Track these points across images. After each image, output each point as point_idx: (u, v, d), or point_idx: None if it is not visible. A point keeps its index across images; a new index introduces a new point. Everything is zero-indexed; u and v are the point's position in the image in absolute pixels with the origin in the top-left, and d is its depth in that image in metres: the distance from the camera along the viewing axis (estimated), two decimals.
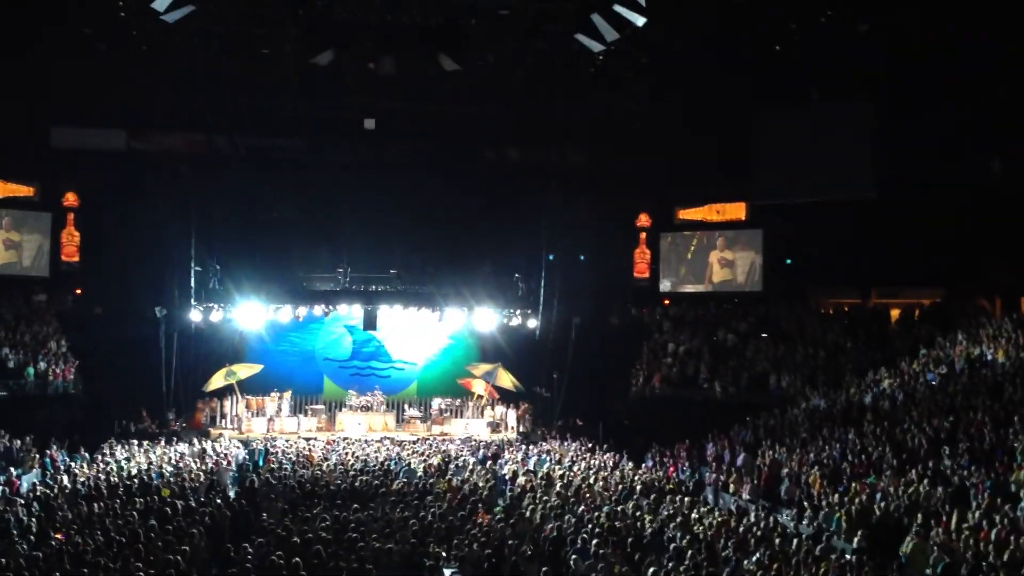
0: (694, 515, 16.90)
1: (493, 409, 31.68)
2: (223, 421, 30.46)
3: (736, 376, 29.24)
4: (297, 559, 12.77)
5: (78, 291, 31.63)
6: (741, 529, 15.67)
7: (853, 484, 18.34)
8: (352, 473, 20.96)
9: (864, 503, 16.93)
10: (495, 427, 30.87)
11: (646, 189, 33.94)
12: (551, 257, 31.87)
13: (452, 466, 22.67)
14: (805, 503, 18.46)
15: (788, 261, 32.56)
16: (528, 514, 16.70)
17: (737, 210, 33.56)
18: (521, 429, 30.71)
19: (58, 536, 14.31)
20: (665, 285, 34.74)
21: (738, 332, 31.51)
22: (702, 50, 26.02)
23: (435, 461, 23.19)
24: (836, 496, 18.03)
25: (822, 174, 30.19)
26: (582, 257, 33.12)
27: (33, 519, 15.75)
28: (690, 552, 13.67)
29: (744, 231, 33.53)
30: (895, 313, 30.49)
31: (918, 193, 28.90)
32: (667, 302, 34.61)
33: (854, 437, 21.24)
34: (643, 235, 34.65)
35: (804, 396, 26.43)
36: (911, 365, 24.99)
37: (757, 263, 33.11)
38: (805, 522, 17.63)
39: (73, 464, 22.74)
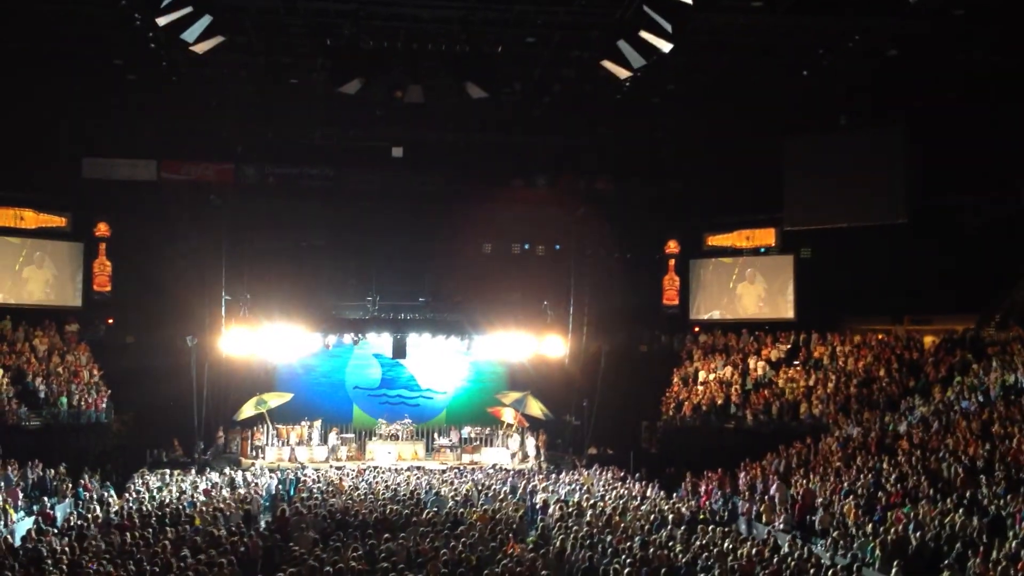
0: (727, 545, 16.67)
1: (521, 437, 31.56)
2: (254, 451, 30.55)
3: (768, 404, 28.96)
4: None
5: (110, 321, 31.88)
6: (775, 560, 15.45)
7: (888, 514, 18.06)
8: (382, 502, 20.90)
9: (900, 533, 16.65)
10: (522, 456, 30.75)
11: (674, 216, 33.81)
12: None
13: (482, 495, 22.56)
14: (839, 533, 18.19)
15: (819, 288, 32.22)
16: (559, 544, 16.55)
17: (767, 236, 33.31)
18: (542, 458, 30.54)
19: (91, 566, 14.33)
20: (695, 312, 34.50)
21: (769, 360, 31.24)
22: (729, 76, 25.98)
23: (465, 490, 23.09)
24: (871, 526, 17.74)
25: (853, 199, 29.93)
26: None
27: (66, 549, 15.79)
28: None
29: (774, 257, 33.27)
30: (928, 340, 30.09)
31: (950, 218, 28.61)
32: (697, 329, 34.37)
33: (889, 466, 20.94)
34: (672, 262, 34.47)
35: (837, 424, 26.12)
36: (945, 393, 24.64)
37: (788, 290, 32.80)
38: (840, 552, 17.37)
39: (106, 493, 22.86)
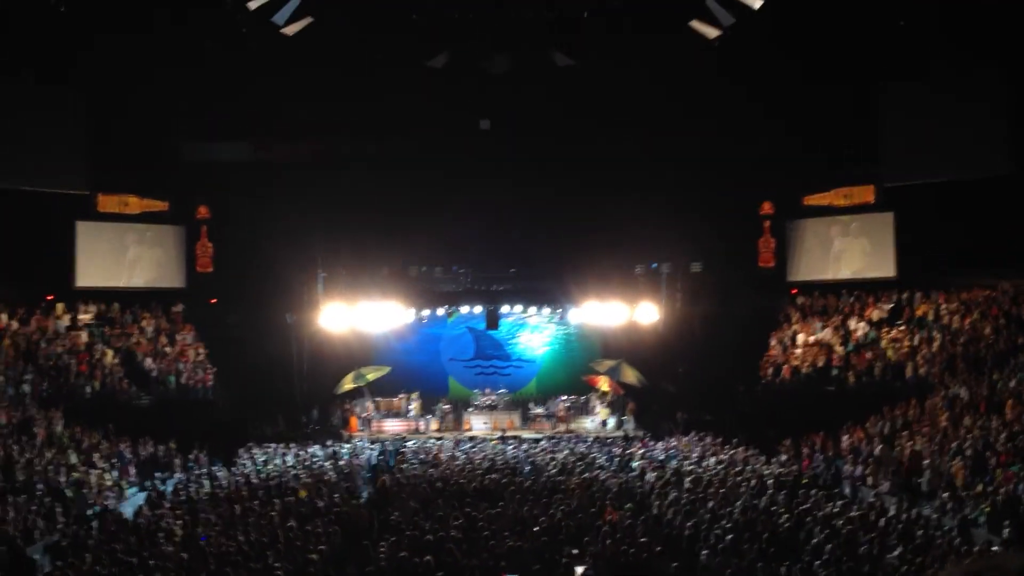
0: (831, 509, 16.40)
1: (616, 405, 31.48)
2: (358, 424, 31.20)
3: (870, 366, 28.27)
4: (429, 557, 12.93)
5: (213, 300, 32.71)
6: (881, 523, 15.13)
7: (998, 472, 17.50)
8: (480, 472, 21.12)
9: (1010, 493, 16.13)
10: (618, 424, 30.69)
11: (769, 176, 33.01)
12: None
13: (579, 464, 22.61)
14: (947, 494, 17.72)
15: (921, 245, 31.14)
16: (658, 511, 16.50)
17: (866, 193, 32.26)
18: (638, 425, 30.41)
19: (203, 537, 14.84)
20: (792, 274, 33.72)
21: (871, 320, 30.47)
22: (822, 27, 25.19)
23: (561, 459, 23.17)
24: (980, 486, 17.23)
25: (954, 150, 28.81)
26: None
27: (178, 522, 16.38)
28: (828, 548, 13.26)
29: (874, 215, 32.26)
30: None
31: None
32: (795, 291, 33.65)
33: (998, 425, 20.26)
34: (767, 223, 33.70)
35: (943, 384, 25.36)
36: None
37: (889, 247, 31.81)
38: (948, 514, 16.92)
39: (214, 468, 23.61)
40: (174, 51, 26.04)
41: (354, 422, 30.67)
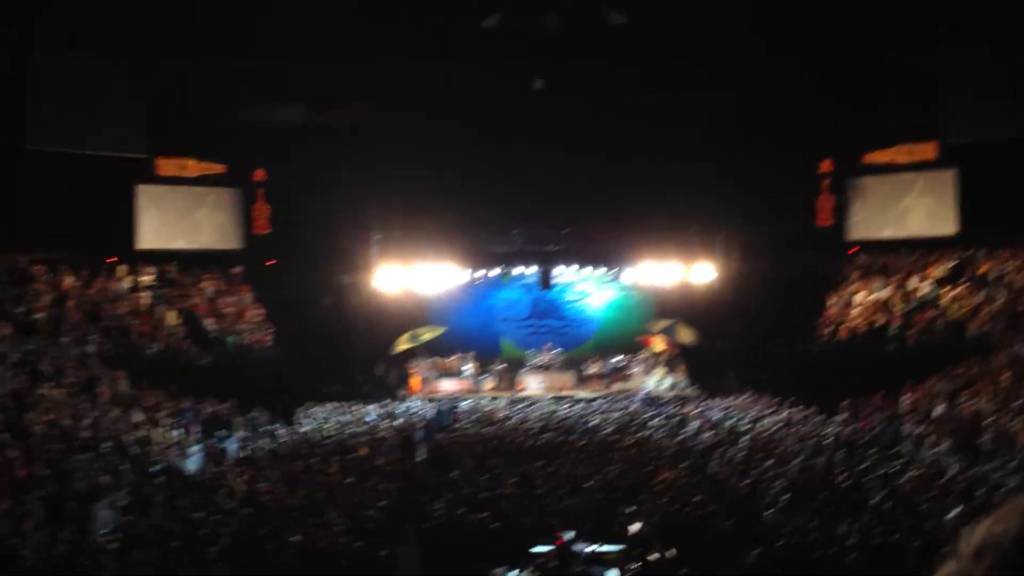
0: (890, 469, 16.22)
1: (671, 364, 31.38)
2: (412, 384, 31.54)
3: (931, 324, 27.79)
4: (485, 514, 13.06)
5: (271, 262, 33.09)
6: (942, 482, 14.94)
7: None
8: (535, 431, 21.23)
9: None
10: (672, 383, 30.60)
11: (829, 133, 32.38)
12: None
13: (634, 423, 22.62)
14: (1009, 455, 17.42)
15: (985, 202, 30.40)
16: (713, 470, 16.46)
17: (928, 150, 31.53)
18: (689, 385, 30.29)
19: (264, 494, 15.14)
20: (851, 233, 33.17)
21: (933, 279, 29.91)
22: None
23: (616, 418, 23.20)
24: None
25: (1018, 107, 28.05)
26: None
27: (239, 478, 16.73)
28: (887, 507, 13.14)
29: (937, 172, 31.54)
30: None
31: None
32: (854, 250, 33.11)
33: None
34: (826, 181, 33.08)
35: (1007, 343, 24.85)
36: None
37: (952, 205, 31.12)
38: (1010, 474, 16.65)
39: (274, 426, 24.03)
40: (231, 13, 26.17)
41: (417, 382, 30.94)
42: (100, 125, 29.06)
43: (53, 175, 27.81)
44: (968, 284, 28.88)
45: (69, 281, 28.63)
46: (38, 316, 26.22)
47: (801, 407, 24.03)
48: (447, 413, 25.81)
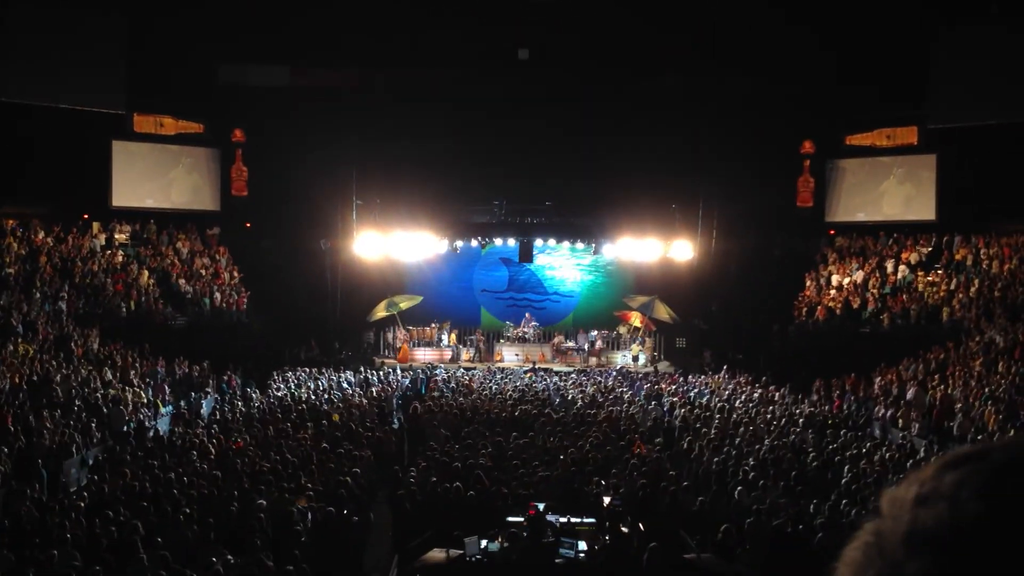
0: (860, 449, 16.36)
1: (647, 340, 31.49)
2: (386, 351, 31.44)
3: (906, 308, 27.98)
4: (459, 483, 13.04)
5: (248, 224, 32.81)
6: (910, 465, 15.07)
7: None
8: (510, 403, 21.23)
9: None
10: (649, 359, 30.71)
11: (811, 115, 32.36)
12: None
13: (610, 397, 22.68)
14: (979, 439, 17.61)
15: (963, 188, 30.55)
16: (686, 446, 16.53)
17: (909, 135, 31.64)
18: (668, 361, 30.40)
19: (237, 457, 15.04)
20: (830, 215, 33.27)
21: (909, 263, 30.09)
22: None
23: (591, 392, 23.25)
24: (1012, 431, 17.11)
25: (1001, 95, 28.17)
26: None
27: (213, 440, 16.63)
28: (855, 487, 13.24)
29: (917, 157, 31.67)
30: None
31: None
32: (832, 232, 33.24)
33: None
34: (807, 162, 33.12)
35: (979, 329, 25.07)
36: None
37: (930, 190, 31.27)
38: None
39: (248, 389, 23.90)
40: None
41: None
42: (76, 78, 28.59)
43: (27, 128, 27.37)
44: (944, 270, 29.08)
45: (42, 236, 28.28)
46: (9, 271, 25.90)
47: (775, 386, 24.17)
48: (423, 382, 25.76)
